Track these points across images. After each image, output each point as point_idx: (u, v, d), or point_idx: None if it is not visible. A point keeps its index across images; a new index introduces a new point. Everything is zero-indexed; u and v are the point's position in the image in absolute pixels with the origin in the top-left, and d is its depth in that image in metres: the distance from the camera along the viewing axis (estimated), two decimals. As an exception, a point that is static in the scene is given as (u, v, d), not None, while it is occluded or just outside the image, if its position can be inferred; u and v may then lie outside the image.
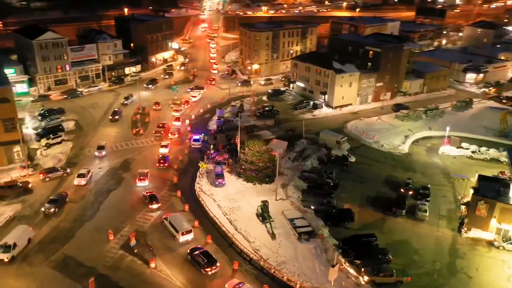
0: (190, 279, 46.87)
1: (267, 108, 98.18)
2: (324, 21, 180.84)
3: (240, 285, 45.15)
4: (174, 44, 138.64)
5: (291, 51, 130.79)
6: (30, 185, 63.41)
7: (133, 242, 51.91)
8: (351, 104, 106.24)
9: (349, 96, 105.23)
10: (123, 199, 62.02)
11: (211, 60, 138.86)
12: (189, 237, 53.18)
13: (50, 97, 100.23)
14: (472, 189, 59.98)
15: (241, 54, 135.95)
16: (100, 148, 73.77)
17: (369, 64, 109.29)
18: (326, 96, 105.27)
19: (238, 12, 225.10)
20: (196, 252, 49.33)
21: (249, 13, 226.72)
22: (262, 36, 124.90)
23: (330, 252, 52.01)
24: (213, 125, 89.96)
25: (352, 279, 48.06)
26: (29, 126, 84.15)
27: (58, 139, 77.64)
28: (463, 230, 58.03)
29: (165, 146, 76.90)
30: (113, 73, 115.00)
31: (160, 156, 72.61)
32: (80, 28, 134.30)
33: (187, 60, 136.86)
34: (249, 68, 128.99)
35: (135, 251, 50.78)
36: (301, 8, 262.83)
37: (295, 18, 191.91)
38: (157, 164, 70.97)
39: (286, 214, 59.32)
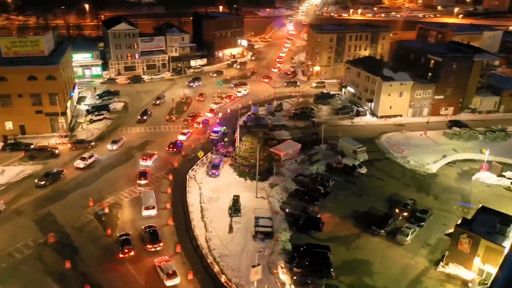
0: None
1: (303, 110, 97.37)
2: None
3: (166, 262, 47.77)
4: (244, 41, 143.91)
5: (358, 56, 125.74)
6: (57, 151, 74.15)
7: (106, 210, 57.94)
8: (400, 115, 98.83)
9: (398, 107, 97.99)
10: (122, 174, 68.67)
11: (277, 59, 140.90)
12: (152, 212, 57.41)
13: (116, 80, 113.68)
14: (461, 219, 52.72)
15: (306, 55, 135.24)
16: (114, 142, 76.59)
17: (429, 74, 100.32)
18: (372, 104, 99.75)
19: (332, 14, 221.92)
20: (147, 230, 53.20)
21: (344, 15, 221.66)
22: (325, 38, 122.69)
23: (274, 255, 51.23)
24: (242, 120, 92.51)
25: (278, 285, 46.87)
26: (87, 103, 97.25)
27: (100, 117, 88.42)
28: (441, 263, 51.52)
29: (184, 134, 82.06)
30: (178, 64, 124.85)
31: (173, 141, 78.06)
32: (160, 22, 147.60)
33: (253, 58, 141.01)
34: (310, 69, 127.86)
35: (103, 219, 56.61)
36: (407, 12, 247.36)
37: (383, 23, 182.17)
38: (167, 148, 76.48)
39: (256, 212, 59.48)
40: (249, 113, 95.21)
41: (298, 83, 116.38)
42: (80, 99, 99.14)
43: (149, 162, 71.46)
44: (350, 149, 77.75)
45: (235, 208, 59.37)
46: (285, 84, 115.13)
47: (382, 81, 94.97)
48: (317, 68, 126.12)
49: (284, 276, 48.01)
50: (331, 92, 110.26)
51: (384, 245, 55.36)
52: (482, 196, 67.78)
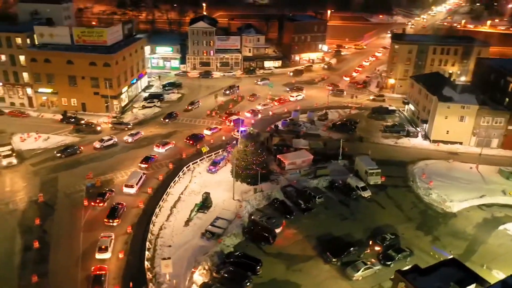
0: (90, 221, 57.21)
1: (345, 122, 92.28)
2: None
3: (106, 236, 52.79)
4: (324, 47, 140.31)
5: (444, 72, 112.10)
6: (99, 128, 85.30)
7: (98, 184, 65.36)
8: (460, 143, 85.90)
9: (457, 132, 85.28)
10: (134, 156, 75.27)
11: (356, 68, 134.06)
12: (131, 191, 63.19)
13: (188, 74, 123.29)
14: (411, 266, 45.10)
15: (386, 67, 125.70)
16: (131, 135, 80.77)
17: (506, 100, 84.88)
18: (427, 125, 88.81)
19: (455, 24, 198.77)
20: (113, 205, 58.83)
21: (470, 26, 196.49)
22: (403, 48, 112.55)
23: (206, 255, 51.48)
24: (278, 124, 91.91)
25: (186, 283, 47.30)
26: (150, 91, 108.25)
27: (151, 104, 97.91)
28: (377, 309, 45.20)
29: (210, 129, 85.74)
30: (252, 64, 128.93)
31: (192, 134, 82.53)
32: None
33: (326, 66, 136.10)
34: (385, 82, 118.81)
35: (90, 190, 64.03)
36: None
37: None
38: (185, 140, 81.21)
39: (221, 212, 60.04)
40: (288, 118, 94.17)
41: (345, 93, 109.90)
42: (148, 87, 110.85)
43: (162, 150, 77.16)
44: (363, 169, 71.56)
45: (203, 204, 60.99)
46: (330, 93, 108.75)
47: (437, 101, 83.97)
48: (391, 81, 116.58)
49: (199, 277, 48.22)
50: (391, 108, 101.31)
51: (330, 274, 50.67)
52: (498, 251, 56.36)
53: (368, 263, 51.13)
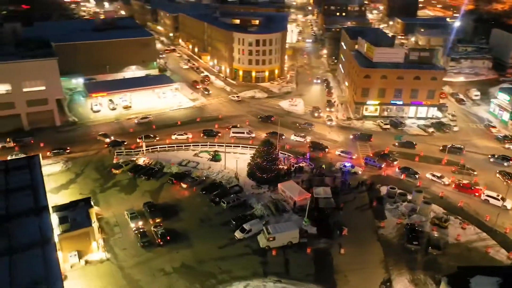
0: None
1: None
2: None
3: (183, 133, 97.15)
4: None
5: None
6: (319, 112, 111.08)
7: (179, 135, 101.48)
8: None
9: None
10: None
11: None
12: (229, 134, 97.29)
13: (491, 128, 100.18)
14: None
15: None
16: (297, 136, 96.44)
17: None
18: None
19: None
20: (211, 130, 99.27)
21: None
22: None
23: (168, 162, 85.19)
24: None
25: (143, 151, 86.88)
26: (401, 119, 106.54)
27: (381, 125, 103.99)
28: None
29: (343, 152, 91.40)
30: None
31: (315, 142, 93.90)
32: None
33: None
34: None
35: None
36: None
37: None
38: (308, 149, 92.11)
39: (210, 166, 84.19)
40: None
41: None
42: (427, 118, 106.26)
43: (296, 138, 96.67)
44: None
45: (213, 157, 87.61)
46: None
47: None
48: None
49: (142, 158, 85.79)
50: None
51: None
52: None
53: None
